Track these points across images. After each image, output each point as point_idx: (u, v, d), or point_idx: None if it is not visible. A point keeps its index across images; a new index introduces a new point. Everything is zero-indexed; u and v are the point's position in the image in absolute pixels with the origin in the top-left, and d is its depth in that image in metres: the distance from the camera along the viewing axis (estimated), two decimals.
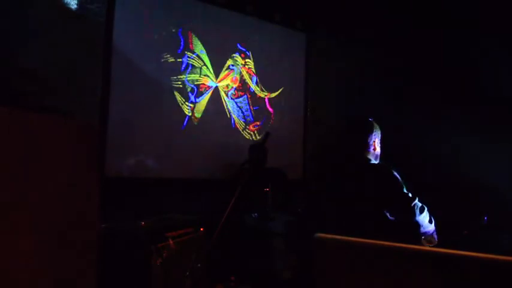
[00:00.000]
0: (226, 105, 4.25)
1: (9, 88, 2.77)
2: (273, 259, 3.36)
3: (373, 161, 2.18)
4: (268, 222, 3.34)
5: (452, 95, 4.28)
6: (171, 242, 2.60)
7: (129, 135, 3.55)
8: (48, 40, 3.10)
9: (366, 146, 2.17)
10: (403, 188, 2.04)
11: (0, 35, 2.89)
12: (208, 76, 4.11)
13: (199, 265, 2.63)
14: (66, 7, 3.21)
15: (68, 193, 1.35)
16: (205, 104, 4.07)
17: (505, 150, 3.86)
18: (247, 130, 4.41)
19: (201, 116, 4.03)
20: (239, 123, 4.35)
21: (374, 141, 2.19)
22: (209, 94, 4.11)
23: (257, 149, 3.62)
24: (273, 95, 4.63)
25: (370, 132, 2.19)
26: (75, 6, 3.26)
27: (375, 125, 2.24)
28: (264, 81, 4.55)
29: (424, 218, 2.04)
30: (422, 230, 2.05)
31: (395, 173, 2.07)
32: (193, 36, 4.01)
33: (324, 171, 4.05)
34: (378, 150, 2.22)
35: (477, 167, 3.93)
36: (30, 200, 1.21)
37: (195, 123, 3.99)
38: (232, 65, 4.31)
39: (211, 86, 4.13)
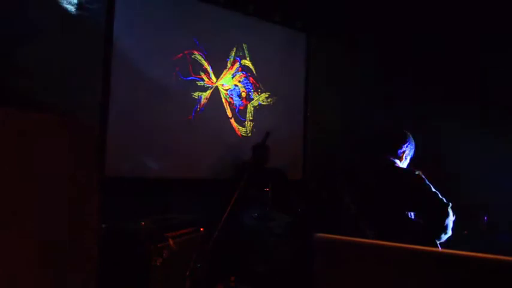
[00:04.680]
0: (226, 108, 4.24)
1: (9, 88, 2.77)
2: (273, 259, 3.35)
3: (399, 165, 2.32)
4: (268, 222, 3.34)
5: (452, 94, 4.28)
6: (171, 242, 2.60)
7: (129, 135, 3.55)
8: (48, 40, 3.10)
9: (394, 156, 2.32)
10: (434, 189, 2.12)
11: (0, 35, 2.89)
12: (207, 74, 4.10)
13: (199, 265, 2.62)
14: (66, 7, 3.21)
15: (68, 193, 1.35)
16: (204, 105, 4.06)
17: (505, 149, 3.86)
18: (248, 134, 4.40)
19: (201, 116, 4.03)
20: (240, 129, 4.34)
21: (403, 153, 2.33)
22: (208, 94, 4.10)
23: (258, 148, 3.62)
24: (273, 95, 4.63)
25: (403, 143, 2.33)
26: (75, 6, 3.26)
27: (409, 138, 2.37)
28: (264, 81, 4.55)
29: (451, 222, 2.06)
30: (444, 234, 2.06)
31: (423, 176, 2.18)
32: (193, 35, 4.00)
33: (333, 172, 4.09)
34: (405, 161, 2.36)
35: (477, 166, 3.93)
36: (29, 200, 1.21)
37: (194, 124, 3.98)
38: (233, 65, 4.31)
39: (211, 86, 4.13)
